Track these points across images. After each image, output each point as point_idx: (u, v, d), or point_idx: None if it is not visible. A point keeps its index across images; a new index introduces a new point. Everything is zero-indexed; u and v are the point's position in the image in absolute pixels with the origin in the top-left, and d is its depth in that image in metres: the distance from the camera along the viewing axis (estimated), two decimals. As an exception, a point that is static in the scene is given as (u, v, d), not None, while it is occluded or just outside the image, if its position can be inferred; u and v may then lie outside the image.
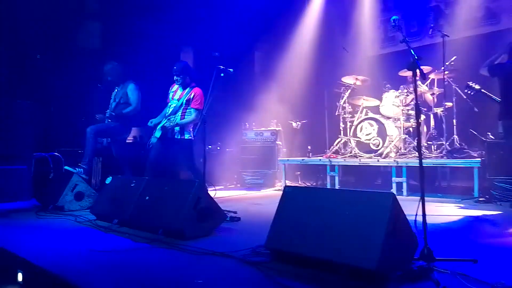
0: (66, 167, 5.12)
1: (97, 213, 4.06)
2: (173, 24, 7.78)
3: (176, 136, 5.04)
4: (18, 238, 3.36)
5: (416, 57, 2.45)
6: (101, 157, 6.05)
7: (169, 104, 5.28)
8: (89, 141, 5.31)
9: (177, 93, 5.25)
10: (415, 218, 2.47)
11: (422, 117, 6.22)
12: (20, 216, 4.50)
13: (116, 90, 5.77)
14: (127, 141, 6.22)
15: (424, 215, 2.47)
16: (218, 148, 7.97)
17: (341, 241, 2.21)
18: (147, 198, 3.56)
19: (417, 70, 2.46)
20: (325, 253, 2.22)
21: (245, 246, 2.82)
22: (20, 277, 2.64)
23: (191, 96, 5.13)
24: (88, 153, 5.30)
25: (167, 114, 5.20)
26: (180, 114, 5.12)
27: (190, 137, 5.12)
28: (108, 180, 4.22)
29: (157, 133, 5.08)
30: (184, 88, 5.20)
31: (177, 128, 5.09)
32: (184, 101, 5.14)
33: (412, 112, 6.27)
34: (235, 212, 4.20)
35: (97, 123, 5.68)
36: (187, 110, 5.14)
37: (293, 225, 2.47)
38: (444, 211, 4.46)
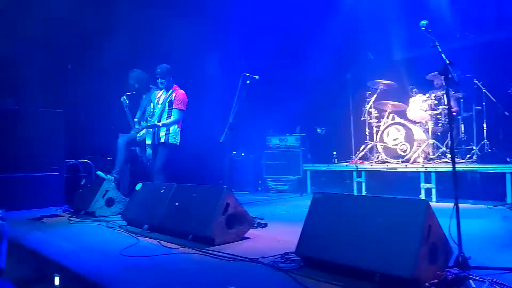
0: (98, 172, 5.25)
1: (128, 219, 4.14)
2: (199, 31, 7.90)
3: (161, 140, 5.17)
4: (54, 243, 3.46)
5: (448, 62, 2.42)
6: (129, 164, 6.17)
7: (154, 110, 5.36)
8: (120, 151, 5.43)
9: (161, 98, 5.35)
10: (449, 224, 2.43)
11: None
12: (53, 221, 4.63)
13: (143, 97, 5.88)
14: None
15: (458, 221, 2.42)
16: (243, 154, 8.01)
17: (373, 248, 2.19)
18: (176, 204, 3.61)
19: (449, 75, 2.43)
20: (358, 261, 2.21)
21: (274, 253, 2.83)
22: (57, 281, 2.72)
23: (173, 98, 5.22)
24: (120, 162, 5.43)
25: (151, 119, 5.29)
26: (165, 117, 5.21)
27: (174, 142, 5.20)
28: (138, 186, 4.30)
29: (148, 150, 5.21)
30: (167, 91, 5.31)
31: (163, 131, 5.18)
32: (167, 103, 5.23)
33: (441, 117, 6.16)
34: (261, 218, 4.21)
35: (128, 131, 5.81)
36: (171, 112, 5.22)
37: (323, 232, 2.47)
38: (477, 218, 4.35)
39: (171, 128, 5.24)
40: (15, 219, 4.69)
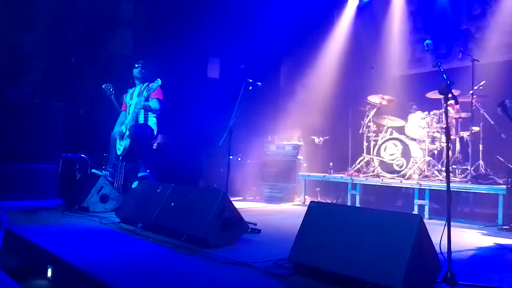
0: (93, 170, 5.25)
1: (122, 216, 4.15)
2: (202, 35, 7.96)
3: (139, 121, 5.18)
4: (47, 235, 3.46)
5: (449, 82, 2.48)
6: (124, 161, 6.18)
7: (128, 106, 5.34)
8: (113, 145, 5.43)
9: (134, 94, 5.34)
10: (440, 241, 2.47)
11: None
12: (46, 214, 4.64)
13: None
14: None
15: (449, 238, 2.46)
16: (239, 159, 8.03)
17: (365, 258, 2.22)
18: (172, 204, 3.63)
19: (450, 95, 2.48)
20: (349, 270, 2.24)
21: (266, 258, 2.85)
22: (49, 272, 2.73)
23: (150, 88, 5.20)
24: (113, 157, 5.42)
25: (128, 114, 5.27)
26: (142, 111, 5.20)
27: (152, 127, 5.23)
28: (135, 184, 4.32)
29: (127, 141, 5.13)
30: (141, 84, 5.30)
31: (141, 118, 5.20)
32: (143, 96, 5.19)
33: (438, 135, 6.22)
34: (255, 224, 4.22)
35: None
36: (149, 101, 5.21)
37: (317, 240, 2.50)
38: (467, 237, 4.39)
39: (149, 117, 5.27)
40: (8, 209, 4.69)
